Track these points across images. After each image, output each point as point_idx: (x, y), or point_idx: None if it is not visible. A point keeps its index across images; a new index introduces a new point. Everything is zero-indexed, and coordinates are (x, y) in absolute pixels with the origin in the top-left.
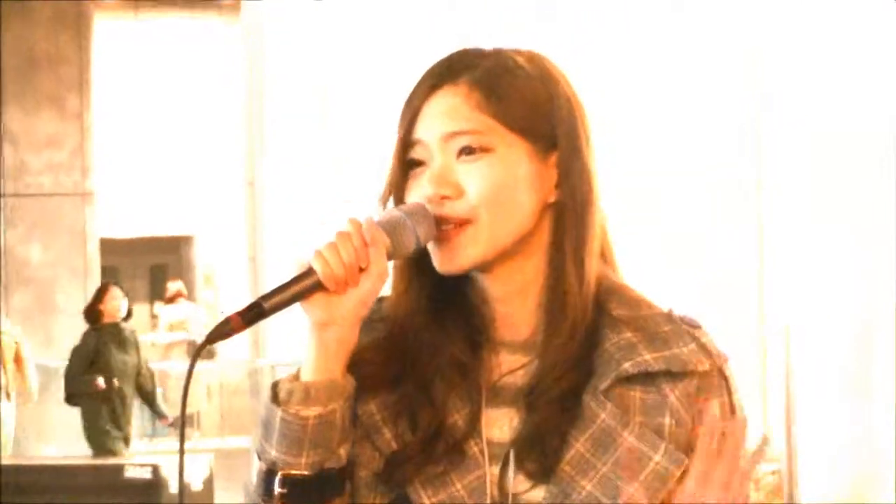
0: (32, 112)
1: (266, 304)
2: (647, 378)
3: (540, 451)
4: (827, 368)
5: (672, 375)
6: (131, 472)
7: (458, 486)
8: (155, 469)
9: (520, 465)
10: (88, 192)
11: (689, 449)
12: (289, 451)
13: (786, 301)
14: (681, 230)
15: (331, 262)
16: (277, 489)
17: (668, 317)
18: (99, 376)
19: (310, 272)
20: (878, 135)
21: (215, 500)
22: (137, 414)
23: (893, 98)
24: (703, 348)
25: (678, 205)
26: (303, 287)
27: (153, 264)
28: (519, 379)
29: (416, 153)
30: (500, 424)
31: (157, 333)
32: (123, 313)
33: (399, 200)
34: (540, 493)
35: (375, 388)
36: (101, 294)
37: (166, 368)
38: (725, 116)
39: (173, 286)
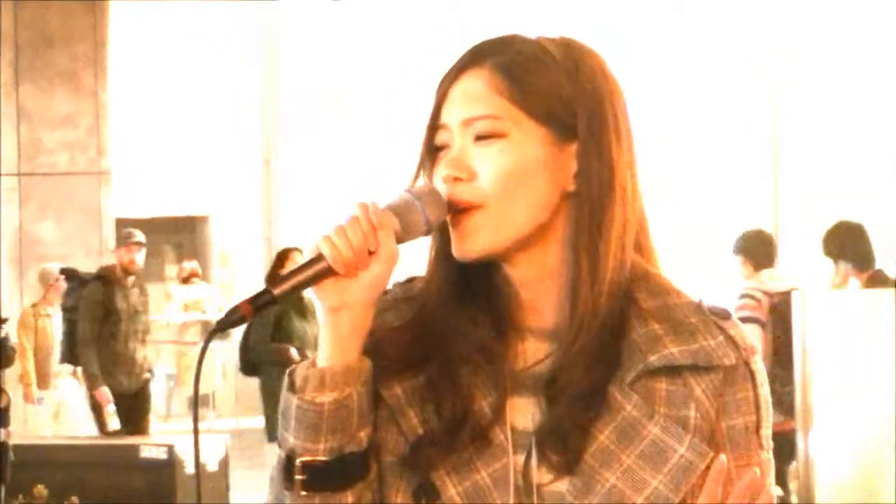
0: (47, 90)
1: (276, 291)
2: (672, 370)
3: (562, 444)
4: (842, 338)
5: (698, 368)
6: (147, 452)
7: (484, 473)
8: (170, 449)
9: (542, 457)
10: (104, 171)
11: (713, 442)
12: (307, 438)
13: (799, 292)
14: (693, 221)
15: (339, 246)
16: (297, 476)
17: (698, 307)
18: (289, 345)
19: (319, 257)
20: (886, 127)
21: (230, 480)
22: (155, 395)
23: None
24: (731, 340)
25: (692, 195)
26: (313, 272)
27: (171, 243)
28: (545, 368)
29: (440, 137)
30: (525, 413)
31: (172, 313)
32: None
33: (430, 182)
34: (563, 484)
35: (401, 371)
36: (281, 259)
37: (182, 348)
38: (739, 112)
39: (188, 266)
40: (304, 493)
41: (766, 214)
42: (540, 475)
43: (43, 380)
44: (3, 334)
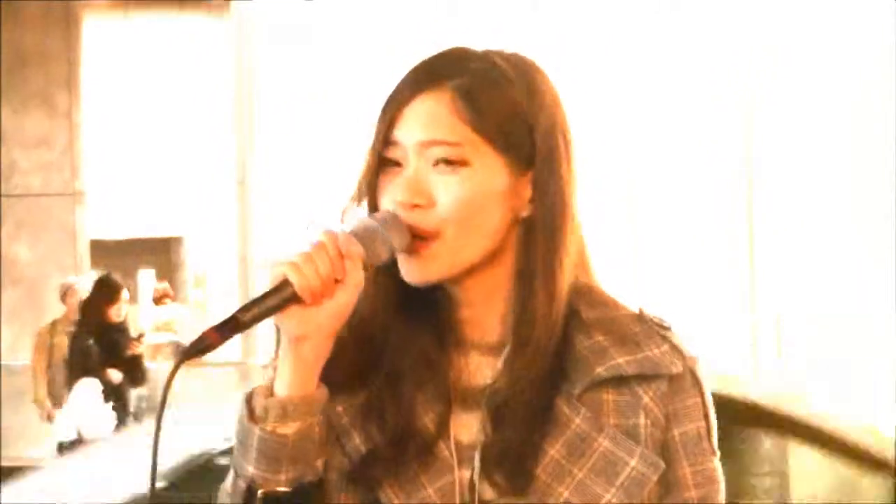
0: (21, 111)
1: (243, 318)
2: (620, 381)
3: (510, 462)
4: (817, 358)
5: (645, 377)
6: None
7: (430, 490)
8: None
9: (487, 473)
10: (78, 192)
11: (666, 450)
12: (268, 469)
13: (776, 291)
14: (672, 224)
15: (307, 274)
16: None
17: (639, 317)
18: None
19: (285, 284)
20: (867, 130)
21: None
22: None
23: (881, 95)
24: (676, 349)
25: (670, 198)
26: (279, 300)
27: (145, 264)
28: (488, 382)
29: (392, 153)
30: (470, 427)
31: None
32: None
33: (372, 198)
34: (510, 500)
35: (341, 388)
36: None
37: (153, 369)
38: (717, 113)
39: (160, 287)
40: None
41: (742, 210)
42: (484, 492)
43: (59, 398)
44: (138, 351)
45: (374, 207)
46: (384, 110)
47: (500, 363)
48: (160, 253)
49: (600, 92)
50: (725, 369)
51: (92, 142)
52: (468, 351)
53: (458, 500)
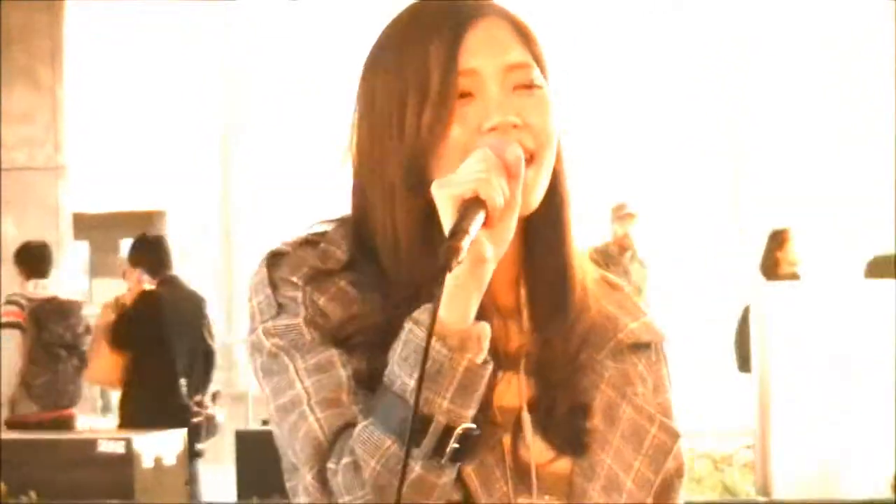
0: (4, 86)
1: (459, 244)
2: (617, 350)
3: (563, 424)
4: (801, 346)
5: (638, 346)
6: (104, 447)
7: (486, 452)
8: (128, 443)
9: (541, 436)
10: (61, 167)
11: (664, 407)
12: (463, 404)
13: (759, 276)
14: (661, 216)
15: (496, 192)
16: (453, 444)
17: (616, 286)
18: None
19: (476, 202)
20: (853, 127)
21: (188, 475)
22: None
23: (869, 91)
24: (651, 320)
25: (657, 193)
26: (477, 216)
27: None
28: (521, 346)
29: (462, 83)
30: (509, 392)
31: None
32: None
33: (443, 133)
34: (562, 465)
35: (369, 347)
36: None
37: None
38: (705, 112)
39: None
40: (453, 463)
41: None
42: (536, 454)
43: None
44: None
45: (438, 142)
46: (431, 42)
47: (525, 327)
48: (143, 227)
49: (592, 88)
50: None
51: (75, 117)
52: (489, 316)
53: (510, 464)
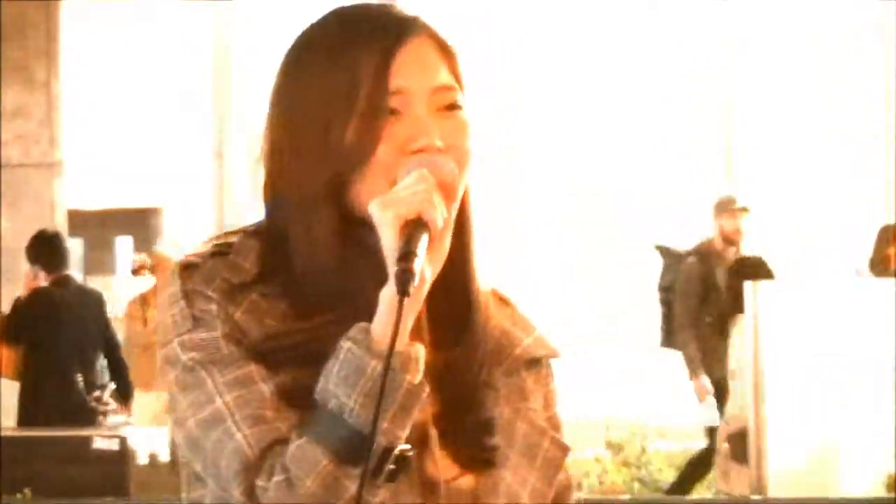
0: None
1: (413, 267)
2: (512, 367)
3: (470, 438)
4: (796, 344)
5: (530, 363)
6: (99, 444)
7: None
8: (122, 441)
9: (447, 452)
10: (56, 163)
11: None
12: (402, 424)
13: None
14: (651, 195)
15: (438, 213)
16: (390, 465)
17: (506, 301)
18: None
19: (419, 224)
20: (844, 126)
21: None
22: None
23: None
24: (541, 336)
25: (647, 173)
26: (423, 239)
27: (123, 235)
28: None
29: (391, 101)
30: None
31: (120, 307)
32: None
33: (371, 150)
34: (467, 480)
35: (290, 362)
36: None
37: None
38: (698, 105)
39: (137, 258)
40: (386, 483)
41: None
42: (443, 470)
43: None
44: None
45: (363, 158)
46: (360, 58)
47: (427, 345)
48: (138, 224)
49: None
50: None
51: (70, 113)
52: None
53: (418, 479)
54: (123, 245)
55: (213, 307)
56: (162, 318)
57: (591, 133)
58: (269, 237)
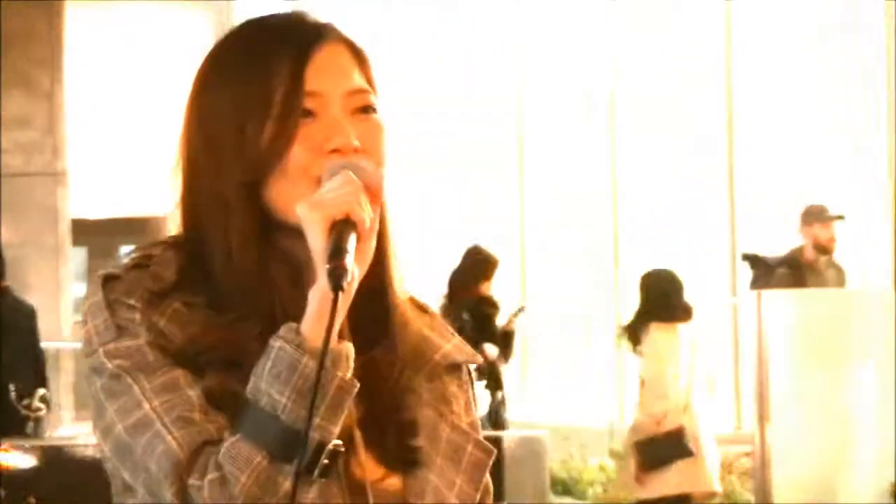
0: (2, 91)
1: (346, 265)
2: (434, 372)
3: (387, 441)
4: (800, 352)
5: (450, 368)
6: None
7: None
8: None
9: (371, 453)
10: (60, 172)
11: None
12: (333, 421)
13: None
14: (654, 201)
15: (365, 213)
16: (323, 460)
17: (423, 307)
18: None
19: (348, 223)
20: (846, 108)
21: None
22: None
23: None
24: (462, 342)
25: (652, 177)
26: (351, 238)
27: (126, 244)
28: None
29: (305, 103)
30: None
31: None
32: None
33: (286, 151)
34: (394, 481)
35: (214, 367)
36: None
37: None
38: (699, 93)
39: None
40: (321, 479)
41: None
42: (369, 472)
43: None
44: (513, 327)
45: (278, 160)
46: (273, 60)
47: (347, 337)
48: (142, 232)
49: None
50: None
51: (73, 122)
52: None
53: (345, 481)
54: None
55: (137, 316)
56: (86, 329)
57: (590, 134)
58: (187, 246)
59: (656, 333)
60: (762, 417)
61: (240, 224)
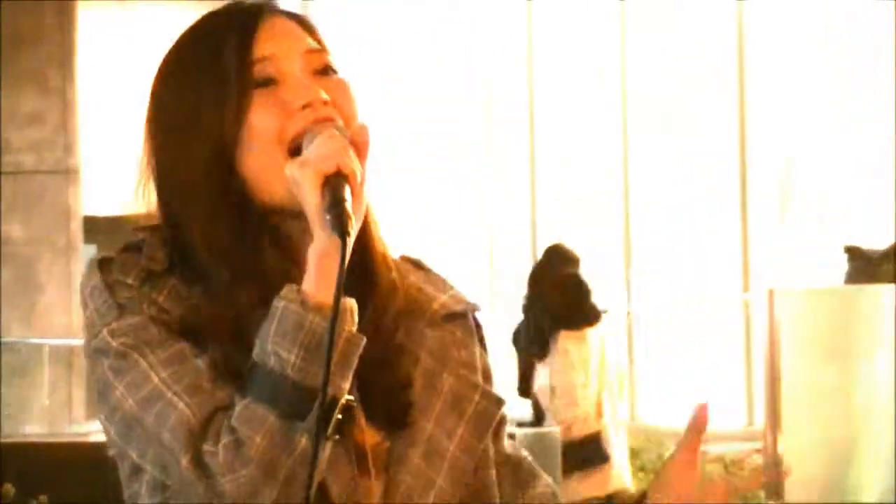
0: (14, 89)
1: (347, 213)
2: (434, 321)
3: (391, 402)
4: (812, 334)
5: (452, 316)
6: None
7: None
8: None
9: (366, 416)
10: (71, 170)
11: (486, 374)
12: (344, 375)
13: (769, 266)
14: (666, 200)
15: (355, 166)
16: (337, 416)
17: (416, 262)
18: None
19: (339, 177)
20: (862, 107)
21: None
22: None
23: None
24: (459, 292)
25: (662, 175)
26: (344, 191)
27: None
28: None
29: (261, 71)
30: None
31: None
32: None
33: (247, 122)
34: (392, 441)
35: (215, 339)
36: None
37: None
38: (710, 99)
39: None
40: (336, 436)
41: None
42: (368, 436)
43: None
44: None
45: (242, 131)
46: (221, 35)
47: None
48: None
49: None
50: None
51: (85, 119)
52: None
53: (350, 444)
54: None
55: (136, 294)
56: (87, 313)
57: (601, 134)
58: (168, 231)
59: (565, 342)
60: (773, 415)
61: (209, 201)
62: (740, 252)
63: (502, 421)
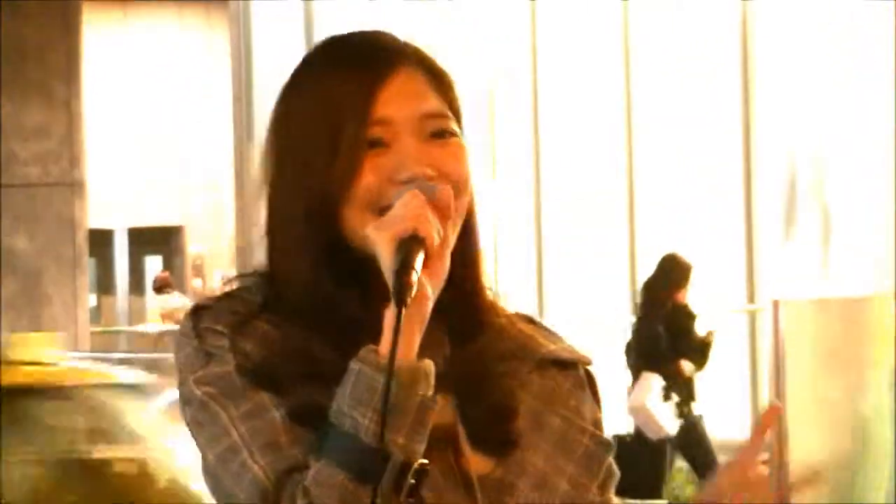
0: (20, 101)
1: (411, 278)
2: (542, 367)
3: (492, 434)
4: (817, 345)
5: (565, 365)
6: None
7: (435, 470)
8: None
9: (471, 444)
10: (77, 182)
11: (597, 425)
12: (417, 439)
13: (775, 276)
14: (668, 207)
15: (434, 230)
16: (410, 480)
17: (527, 317)
18: None
19: (415, 240)
20: (866, 107)
21: None
22: None
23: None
24: (571, 345)
25: (666, 183)
26: (419, 254)
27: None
28: (438, 367)
29: (377, 132)
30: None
31: (146, 324)
32: None
33: (354, 182)
34: (499, 472)
35: (297, 383)
36: None
37: (156, 359)
38: (715, 104)
39: (160, 276)
40: (410, 500)
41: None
42: (475, 465)
43: None
44: (711, 338)
45: (348, 191)
46: (347, 90)
47: (446, 349)
48: (160, 242)
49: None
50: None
51: (91, 132)
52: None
53: (458, 477)
54: (151, 264)
55: (225, 342)
56: (176, 360)
57: (606, 133)
58: (271, 268)
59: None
60: (779, 425)
61: (304, 247)
62: (744, 263)
63: (610, 472)
